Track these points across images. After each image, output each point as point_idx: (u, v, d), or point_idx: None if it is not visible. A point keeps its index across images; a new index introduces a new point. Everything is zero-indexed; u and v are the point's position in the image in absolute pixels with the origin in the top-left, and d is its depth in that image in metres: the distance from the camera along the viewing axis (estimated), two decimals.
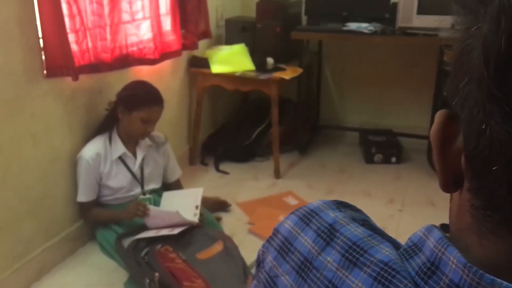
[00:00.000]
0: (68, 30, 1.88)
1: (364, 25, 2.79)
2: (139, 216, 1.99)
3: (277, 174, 2.90)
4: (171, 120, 2.84)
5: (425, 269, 0.36)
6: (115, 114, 2.08)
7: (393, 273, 0.37)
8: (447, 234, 0.38)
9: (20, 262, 1.88)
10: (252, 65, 2.81)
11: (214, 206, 2.40)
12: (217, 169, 2.98)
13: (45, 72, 1.89)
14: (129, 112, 2.03)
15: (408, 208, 2.55)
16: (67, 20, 1.89)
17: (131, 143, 2.13)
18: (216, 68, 2.81)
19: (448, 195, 0.40)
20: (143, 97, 2.05)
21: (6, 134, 1.77)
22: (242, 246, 2.05)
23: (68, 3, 1.88)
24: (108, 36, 2.09)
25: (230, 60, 2.83)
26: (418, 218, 2.42)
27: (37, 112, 1.90)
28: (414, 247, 0.39)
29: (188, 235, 1.99)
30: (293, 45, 2.96)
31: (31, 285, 1.92)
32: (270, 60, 2.79)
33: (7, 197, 1.80)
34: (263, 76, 2.74)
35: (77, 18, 1.92)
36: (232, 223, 2.37)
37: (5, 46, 1.72)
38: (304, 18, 3.17)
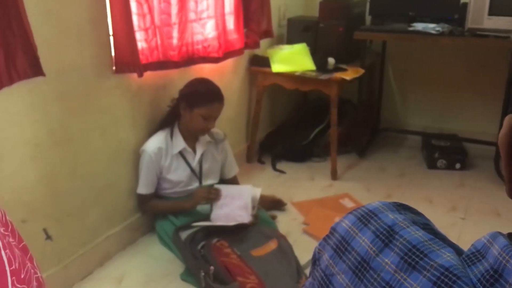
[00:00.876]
0: (137, 28, 1.96)
1: (431, 25, 2.69)
2: (212, 200, 2.09)
3: (334, 176, 2.87)
4: (231, 117, 2.89)
5: (487, 276, 0.35)
6: (177, 110, 2.15)
7: (454, 278, 0.36)
8: None
9: (85, 248, 1.99)
10: (312, 65, 2.80)
11: (269, 204, 2.42)
12: (274, 168, 3.00)
13: (114, 68, 1.98)
14: (190, 108, 2.09)
15: (472, 217, 2.44)
16: (137, 18, 1.97)
17: (191, 139, 2.19)
18: (277, 67, 2.82)
19: None
20: (204, 94, 2.10)
21: (77, 126, 1.88)
22: (296, 246, 2.05)
23: (139, 2, 1.96)
24: (176, 35, 2.16)
25: (291, 59, 2.83)
26: (482, 228, 2.30)
27: (105, 106, 1.99)
28: (477, 253, 0.38)
29: (243, 232, 2.02)
30: (355, 45, 2.92)
31: (94, 270, 2.02)
32: (331, 60, 2.77)
33: (77, 185, 1.91)
34: (323, 76, 2.72)
35: (148, 17, 2.00)
36: (287, 222, 2.37)
37: (77, 42, 1.82)
38: (368, 18, 3.11)
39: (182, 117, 2.14)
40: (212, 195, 2.10)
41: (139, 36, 1.99)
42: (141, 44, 2.03)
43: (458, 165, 2.96)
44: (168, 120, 2.19)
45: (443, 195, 2.67)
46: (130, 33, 1.90)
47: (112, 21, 1.90)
